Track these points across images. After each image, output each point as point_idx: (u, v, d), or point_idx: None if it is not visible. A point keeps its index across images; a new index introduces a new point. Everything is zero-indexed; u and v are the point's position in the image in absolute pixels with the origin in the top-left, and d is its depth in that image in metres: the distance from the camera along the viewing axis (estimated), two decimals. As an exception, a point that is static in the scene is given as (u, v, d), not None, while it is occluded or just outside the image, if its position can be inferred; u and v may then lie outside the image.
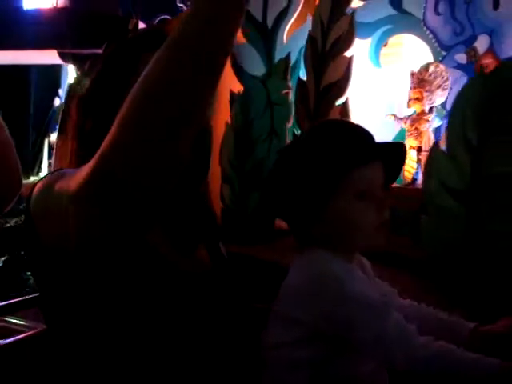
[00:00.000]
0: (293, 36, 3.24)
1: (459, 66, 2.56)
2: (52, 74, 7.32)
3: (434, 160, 2.16)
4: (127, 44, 0.89)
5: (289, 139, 2.88)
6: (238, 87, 3.31)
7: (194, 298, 0.84)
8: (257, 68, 3.31)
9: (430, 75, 2.44)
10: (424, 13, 2.67)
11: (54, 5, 5.49)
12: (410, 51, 2.95)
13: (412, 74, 2.53)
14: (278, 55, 3.26)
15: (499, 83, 1.70)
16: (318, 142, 0.89)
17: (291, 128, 3.03)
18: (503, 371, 0.74)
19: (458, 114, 1.86)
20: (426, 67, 2.48)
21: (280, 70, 3.00)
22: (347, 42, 2.80)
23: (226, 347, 0.86)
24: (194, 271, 0.88)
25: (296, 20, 3.26)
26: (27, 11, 5.97)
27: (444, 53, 2.61)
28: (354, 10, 2.84)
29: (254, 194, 2.94)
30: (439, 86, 2.40)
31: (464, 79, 2.47)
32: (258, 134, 2.94)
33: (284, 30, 3.29)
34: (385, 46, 2.94)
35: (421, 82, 2.49)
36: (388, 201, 0.88)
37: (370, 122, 2.95)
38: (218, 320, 0.87)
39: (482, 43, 2.49)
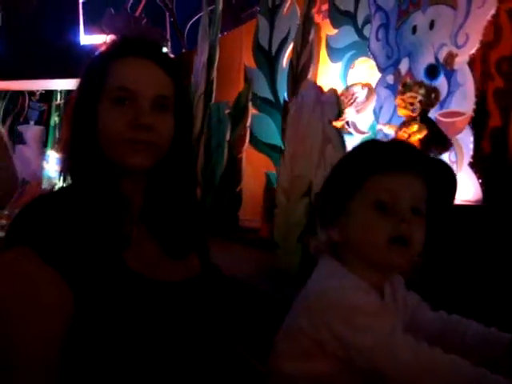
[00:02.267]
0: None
1: (388, 87, 2.80)
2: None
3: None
4: (98, 55, 0.95)
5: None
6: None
7: (178, 306, 0.86)
8: (264, 90, 3.83)
9: (343, 95, 2.73)
10: (369, 38, 2.96)
11: (105, 40, 6.61)
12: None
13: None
14: (279, 78, 3.74)
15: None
16: (350, 151, 0.95)
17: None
18: None
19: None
20: (347, 88, 2.77)
21: (244, 93, 3.49)
22: (307, 67, 3.19)
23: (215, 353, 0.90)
24: (186, 274, 0.92)
25: (294, 46, 3.71)
26: (83, 46, 7.36)
27: (380, 74, 2.87)
28: (313, 40, 3.22)
29: (209, 195, 3.47)
30: (350, 105, 2.68)
31: (391, 98, 2.72)
32: (214, 145, 3.48)
33: (284, 56, 3.75)
34: (351, 68, 3.25)
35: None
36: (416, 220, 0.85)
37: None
38: (205, 323, 0.89)
39: (404, 65, 2.72)
